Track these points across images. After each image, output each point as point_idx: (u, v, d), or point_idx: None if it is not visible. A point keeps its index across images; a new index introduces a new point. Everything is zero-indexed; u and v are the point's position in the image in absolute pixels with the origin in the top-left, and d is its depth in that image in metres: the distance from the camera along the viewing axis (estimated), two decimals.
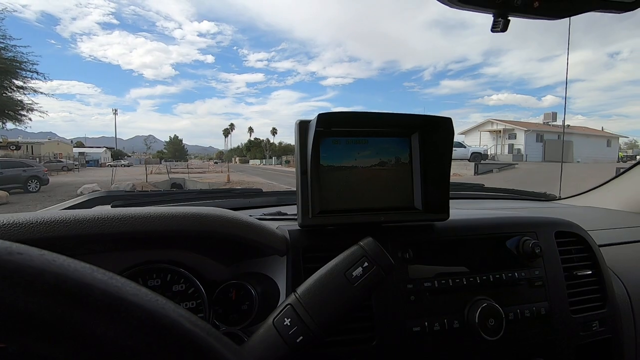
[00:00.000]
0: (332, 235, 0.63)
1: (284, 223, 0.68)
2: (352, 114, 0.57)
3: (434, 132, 0.64)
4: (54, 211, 0.46)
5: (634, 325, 0.76)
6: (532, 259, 0.68)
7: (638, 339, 0.76)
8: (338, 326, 0.43)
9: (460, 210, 0.79)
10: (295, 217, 0.64)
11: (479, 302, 0.61)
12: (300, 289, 0.43)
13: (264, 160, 59.54)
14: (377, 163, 0.65)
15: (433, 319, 0.60)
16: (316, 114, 0.56)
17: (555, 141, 26.99)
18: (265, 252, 0.60)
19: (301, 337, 0.39)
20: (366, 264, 0.43)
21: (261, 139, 79.35)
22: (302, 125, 0.60)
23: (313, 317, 0.40)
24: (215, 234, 0.53)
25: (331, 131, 0.62)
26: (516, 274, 0.67)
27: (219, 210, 0.54)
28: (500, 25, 0.46)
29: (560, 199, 1.62)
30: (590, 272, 0.74)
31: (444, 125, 0.61)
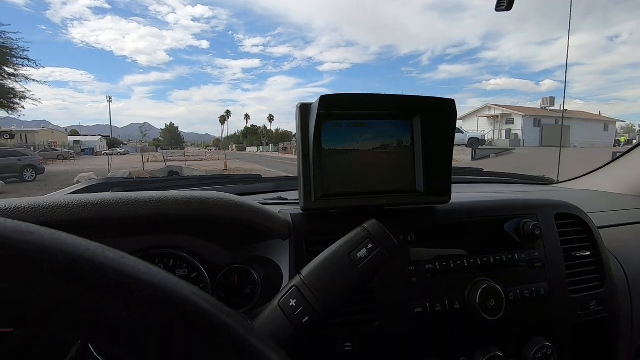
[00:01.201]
0: (334, 218, 0.63)
1: (285, 207, 0.68)
2: (354, 95, 0.56)
3: (436, 114, 0.64)
4: (57, 195, 0.46)
5: (630, 305, 0.78)
6: (532, 240, 0.69)
7: (634, 318, 0.77)
8: (342, 307, 0.43)
9: (461, 194, 0.79)
10: (296, 202, 0.63)
11: (479, 283, 0.62)
12: (305, 271, 0.43)
13: (261, 147, 59.23)
14: (379, 146, 0.65)
15: (434, 300, 0.61)
16: (317, 97, 0.55)
17: (552, 126, 26.98)
18: (268, 236, 0.60)
19: (307, 318, 0.40)
20: (370, 245, 0.43)
21: (258, 126, 78.82)
22: (304, 108, 0.59)
23: (318, 298, 0.41)
24: (219, 218, 0.52)
25: (332, 114, 0.62)
26: (516, 255, 0.68)
27: (221, 194, 0.54)
28: (505, 4, 0.45)
29: (558, 182, 1.63)
30: (589, 253, 0.74)
31: (447, 107, 0.61)
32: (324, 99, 0.53)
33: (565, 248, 0.73)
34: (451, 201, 0.67)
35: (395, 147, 0.66)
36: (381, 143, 0.65)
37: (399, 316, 0.59)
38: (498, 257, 0.66)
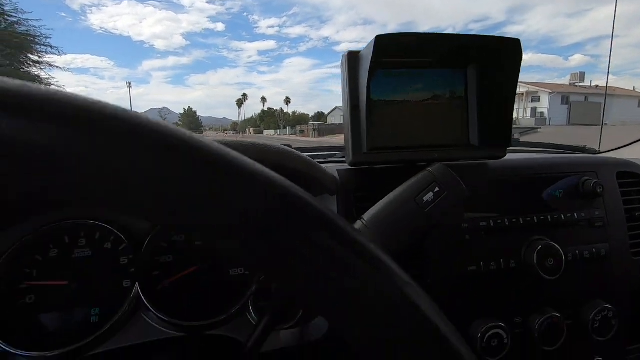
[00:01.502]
0: (381, 174, 0.61)
1: (328, 165, 0.66)
2: (412, 35, 0.51)
3: (495, 60, 0.59)
4: None
5: None
6: (593, 198, 0.65)
7: None
8: (406, 255, 0.41)
9: (513, 154, 0.75)
10: (341, 160, 0.61)
11: (536, 242, 0.59)
12: (367, 216, 0.41)
13: (278, 130, 59.23)
14: (431, 97, 0.61)
15: (489, 259, 0.58)
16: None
17: (582, 103, 25.75)
18: (316, 191, 0.59)
19: None
20: (437, 189, 0.40)
21: (275, 108, 78.71)
22: (351, 57, 0.56)
23: (382, 243, 0.39)
24: (281, 167, 0.50)
25: (382, 62, 0.58)
26: (575, 214, 0.64)
27: (276, 145, 0.52)
28: None
29: (600, 152, 1.55)
30: None
31: (510, 49, 0.55)
32: (379, 39, 0.49)
33: (627, 208, 0.68)
34: (504, 158, 0.63)
35: (448, 98, 0.62)
36: (433, 94, 0.61)
37: (452, 275, 0.57)
38: (556, 216, 0.62)
